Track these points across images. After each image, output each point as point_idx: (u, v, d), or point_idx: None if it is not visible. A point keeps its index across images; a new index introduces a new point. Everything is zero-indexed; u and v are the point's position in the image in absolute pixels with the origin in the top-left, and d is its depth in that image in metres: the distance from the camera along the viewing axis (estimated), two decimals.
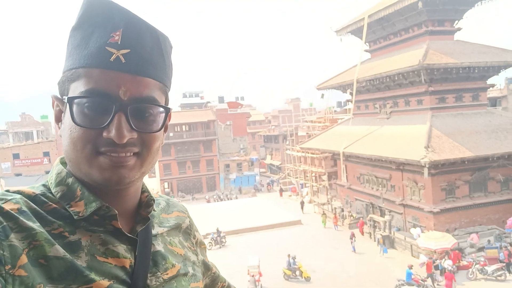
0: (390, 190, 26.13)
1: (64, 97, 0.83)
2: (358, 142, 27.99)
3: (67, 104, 0.80)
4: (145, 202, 0.94)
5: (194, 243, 1.10)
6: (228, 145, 53.58)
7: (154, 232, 0.95)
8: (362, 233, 26.42)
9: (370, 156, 25.80)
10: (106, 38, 0.78)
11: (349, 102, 35.19)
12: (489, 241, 20.14)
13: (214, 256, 24.84)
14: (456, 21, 26.52)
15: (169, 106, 0.89)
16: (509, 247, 19.19)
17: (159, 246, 0.94)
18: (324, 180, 35.85)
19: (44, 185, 0.87)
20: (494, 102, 35.98)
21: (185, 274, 0.97)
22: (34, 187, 0.86)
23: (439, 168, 21.82)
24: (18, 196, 0.80)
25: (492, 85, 27.18)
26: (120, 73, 0.78)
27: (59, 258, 0.74)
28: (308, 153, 37.04)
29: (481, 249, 20.13)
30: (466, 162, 21.59)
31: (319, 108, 58.11)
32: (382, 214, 26.25)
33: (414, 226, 23.37)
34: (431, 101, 24.74)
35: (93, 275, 0.76)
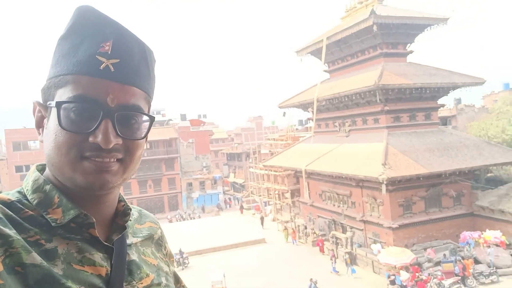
0: (351, 207, 26.73)
1: (49, 102, 0.84)
2: (319, 160, 28.54)
3: (52, 109, 0.82)
4: (122, 211, 0.96)
5: (165, 254, 1.11)
6: (191, 163, 52.99)
7: (128, 242, 0.96)
8: (322, 251, 26.62)
9: (331, 173, 26.34)
10: (96, 47, 0.81)
11: (310, 121, 35.95)
12: (444, 255, 20.94)
13: None
14: (408, 44, 27.96)
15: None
16: (463, 261, 20.04)
17: (133, 255, 0.95)
18: (287, 198, 36.13)
19: (19, 192, 0.87)
20: (444, 121, 37.97)
21: (159, 284, 0.97)
22: (9, 193, 0.85)
23: (396, 185, 22.61)
24: None
25: (443, 105, 28.71)
26: (109, 81, 0.81)
27: (36, 265, 0.73)
28: (271, 170, 37.29)
29: (437, 263, 20.88)
30: (421, 179, 22.51)
31: (281, 126, 58.94)
32: (344, 231, 26.73)
33: (375, 242, 23.94)
34: (387, 120, 25.75)
35: (69, 283, 0.76)
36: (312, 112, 31.78)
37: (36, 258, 0.74)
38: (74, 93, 0.80)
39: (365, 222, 25.16)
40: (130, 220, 1.00)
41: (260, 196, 41.58)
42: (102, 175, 0.82)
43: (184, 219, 43.83)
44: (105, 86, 0.81)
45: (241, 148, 60.21)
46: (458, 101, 41.62)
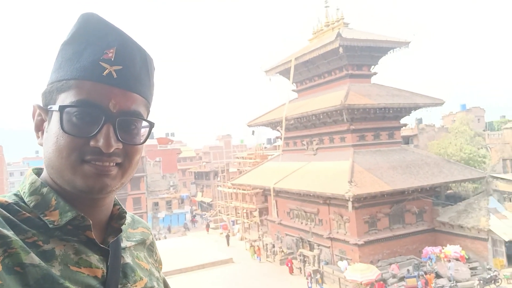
0: (318, 224, 26.94)
1: (50, 106, 0.86)
2: (287, 178, 28.77)
3: (54, 113, 0.83)
4: (117, 215, 0.97)
5: (156, 260, 1.12)
6: (157, 182, 52.00)
7: (122, 245, 0.97)
8: (291, 271, 26.39)
9: (298, 191, 26.57)
10: (100, 54, 0.83)
11: (279, 139, 36.35)
12: (408, 270, 21.37)
13: None
14: (373, 66, 29.09)
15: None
16: (425, 276, 20.51)
17: (128, 258, 0.97)
18: (255, 216, 36.00)
19: (16, 195, 0.88)
20: (407, 140, 39.37)
21: None
22: (6, 196, 0.86)
23: (362, 202, 23.07)
24: None
25: (405, 125, 29.84)
26: (111, 87, 0.83)
27: (35, 265, 0.74)
28: (240, 189, 37.18)
29: (401, 279, 21.26)
30: (385, 196, 23.10)
31: (250, 144, 59.17)
32: (311, 249, 26.84)
33: (341, 259, 24.15)
34: (353, 139, 26.43)
35: (68, 284, 0.76)
36: (281, 130, 32.18)
37: (35, 258, 0.75)
38: (77, 97, 0.82)
39: (332, 239, 25.39)
40: (125, 224, 1.01)
41: (228, 215, 41.23)
42: (101, 179, 0.84)
43: None
44: (107, 92, 0.83)
45: (209, 167, 59.82)
46: (419, 120, 43.40)
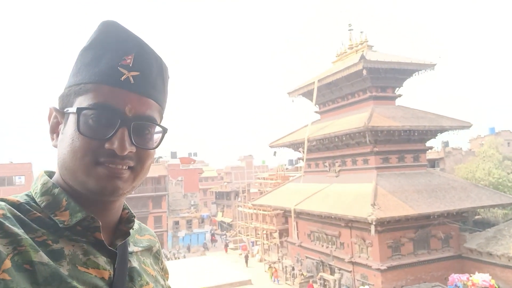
0: (340, 248, 26.36)
1: (67, 108, 0.88)
2: (308, 199, 28.43)
3: (71, 115, 0.86)
4: (126, 218, 0.98)
5: (161, 268, 1.13)
6: (179, 201, 52.30)
7: (130, 249, 0.98)
8: None
9: (320, 213, 26.16)
10: (118, 60, 0.86)
11: (300, 160, 36.13)
12: None
13: None
14: (397, 88, 28.84)
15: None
16: None
17: (134, 263, 0.97)
18: (275, 238, 35.55)
19: (27, 195, 0.89)
20: (433, 163, 38.48)
21: None
22: (18, 196, 0.88)
23: (385, 226, 22.49)
24: (3, 203, 0.81)
25: (431, 147, 29.22)
26: (128, 92, 0.86)
27: (44, 264, 0.75)
28: (260, 210, 36.93)
29: None
30: (409, 220, 22.46)
31: (272, 165, 59.05)
32: (332, 273, 26.19)
33: (363, 284, 23.43)
34: (376, 161, 26.02)
35: (75, 283, 0.77)
36: (303, 152, 32.04)
37: (44, 257, 0.76)
38: (95, 100, 0.84)
39: (353, 263, 24.73)
40: (133, 229, 1.03)
41: (248, 235, 40.88)
42: (114, 181, 0.85)
43: (168, 259, 42.57)
44: (124, 96, 0.85)
45: (230, 187, 59.82)
46: (446, 144, 42.41)
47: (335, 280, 24.91)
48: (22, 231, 0.77)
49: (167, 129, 0.94)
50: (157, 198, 49.16)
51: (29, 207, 0.84)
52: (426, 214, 22.55)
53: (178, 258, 42.60)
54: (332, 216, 25.03)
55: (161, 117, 0.96)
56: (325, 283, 25.75)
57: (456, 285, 21.46)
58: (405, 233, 23.40)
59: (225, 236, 52.25)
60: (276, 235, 35.31)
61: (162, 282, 1.06)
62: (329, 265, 26.82)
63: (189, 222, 50.70)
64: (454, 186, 25.34)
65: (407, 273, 22.98)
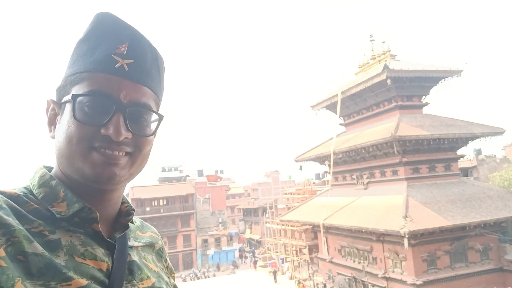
0: (372, 263, 25.57)
1: (64, 97, 0.89)
2: (337, 213, 27.86)
3: (67, 104, 0.87)
4: (125, 211, 0.98)
5: (165, 266, 1.11)
6: (207, 219, 52.41)
7: (130, 244, 0.97)
8: None
9: (350, 227, 25.54)
10: (113, 48, 0.87)
11: (327, 174, 35.64)
12: None
13: None
14: (424, 96, 28.18)
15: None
16: None
17: (134, 257, 0.96)
18: (304, 254, 34.93)
19: (25, 187, 0.89)
20: (465, 172, 37.13)
21: None
22: (16, 188, 0.87)
23: (419, 238, 21.69)
24: None
25: (462, 156, 28.24)
26: (123, 79, 0.87)
27: (38, 254, 0.74)
28: (288, 225, 36.47)
29: None
30: (444, 231, 21.59)
31: (298, 180, 58.55)
32: None
33: None
34: (406, 172, 25.32)
35: (72, 273, 0.76)
36: (329, 165, 31.58)
37: (38, 247, 0.75)
38: (90, 88, 0.85)
39: (387, 279, 23.90)
40: (133, 224, 1.04)
41: (277, 252, 40.37)
42: (110, 168, 0.85)
43: (198, 278, 42.53)
44: (119, 83, 0.86)
45: (258, 203, 59.55)
46: (478, 151, 40.77)
47: None
48: (17, 221, 0.76)
49: (163, 116, 0.93)
50: (185, 217, 49.44)
51: (26, 199, 0.84)
52: (462, 225, 21.62)
53: (208, 277, 42.42)
54: (363, 230, 24.38)
55: (158, 107, 0.96)
56: None
57: None
58: (440, 245, 22.49)
59: (252, 253, 51.78)
60: (305, 251, 34.71)
61: (166, 279, 1.04)
62: (362, 281, 26.03)
63: (217, 240, 50.61)
64: (489, 195, 24.28)
65: None
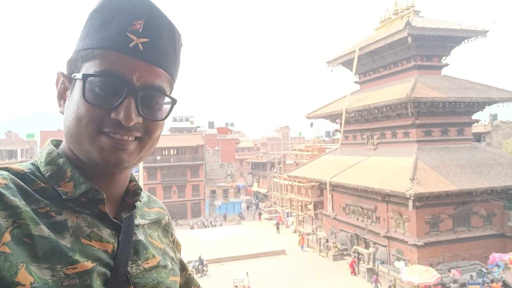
0: (375, 222, 25.89)
1: (74, 74, 0.84)
2: (345, 172, 27.92)
3: (77, 81, 0.82)
4: (132, 191, 0.96)
5: (172, 241, 1.11)
6: (216, 171, 53.16)
7: (136, 222, 0.95)
8: (354, 273, 24.76)
9: (356, 187, 25.67)
10: (127, 24, 0.81)
11: (338, 132, 35.39)
12: (471, 276, 19.84)
13: None
14: (444, 57, 27.16)
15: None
16: (491, 284, 18.91)
17: (140, 236, 0.95)
18: (309, 210, 35.50)
19: (33, 164, 0.87)
20: (478, 137, 36.47)
21: (165, 267, 0.97)
22: (23, 165, 0.85)
23: (424, 201, 21.73)
24: (5, 172, 0.79)
25: (477, 121, 27.62)
26: (136, 60, 0.81)
27: (44, 237, 0.73)
28: (295, 181, 36.82)
29: (463, 285, 19.79)
30: (450, 196, 21.55)
31: (308, 137, 58.44)
32: (367, 246, 25.88)
33: (398, 259, 23.03)
34: (418, 134, 24.94)
35: (77, 256, 0.76)
36: (340, 123, 31.26)
37: (44, 230, 0.74)
38: (101, 67, 0.80)
39: (389, 238, 24.26)
40: (140, 201, 1.00)
41: (283, 206, 41.09)
42: (118, 153, 0.81)
43: (205, 226, 43.76)
44: (132, 64, 0.80)
45: (266, 158, 60.01)
46: (494, 117, 39.58)
47: (370, 254, 24.62)
48: (24, 202, 0.74)
49: (176, 100, 0.89)
50: (194, 167, 50.12)
51: (33, 177, 0.82)
52: (468, 190, 21.54)
53: (215, 226, 43.66)
54: (369, 190, 24.49)
55: (171, 88, 0.91)
56: (359, 256, 25.53)
57: (497, 264, 20.59)
58: (445, 209, 22.54)
59: (256, 205, 52.89)
60: (311, 207, 35.24)
61: (172, 254, 1.05)
62: (364, 238, 26.50)
63: (225, 192, 51.57)
64: (500, 162, 23.93)
65: (444, 250, 22.29)
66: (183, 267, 1.16)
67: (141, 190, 0.98)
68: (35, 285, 0.69)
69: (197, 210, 50.05)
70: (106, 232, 0.85)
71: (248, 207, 52.82)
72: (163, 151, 49.25)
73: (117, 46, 0.80)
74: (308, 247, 31.52)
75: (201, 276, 25.62)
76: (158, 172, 48.50)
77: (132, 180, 0.97)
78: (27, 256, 0.70)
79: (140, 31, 0.81)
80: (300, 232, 32.98)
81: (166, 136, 54.21)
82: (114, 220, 0.87)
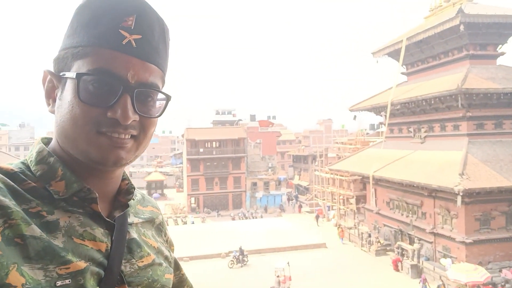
0: (421, 217, 24.99)
1: (62, 73, 0.82)
2: (389, 166, 27.13)
3: (69, 80, 0.80)
4: (125, 190, 0.95)
5: (165, 240, 1.10)
6: (257, 163, 53.38)
7: (129, 221, 0.95)
8: (397, 269, 24.00)
9: (401, 181, 24.88)
10: (119, 21, 0.79)
11: (382, 125, 34.41)
12: None
13: (235, 275, 24.44)
14: (500, 46, 25.59)
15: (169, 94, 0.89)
16: None
17: (134, 234, 0.94)
18: (351, 204, 34.86)
19: (23, 163, 0.86)
20: None
21: (160, 265, 0.97)
22: (13, 164, 0.84)
23: (474, 197, 20.70)
24: None
25: None
26: (130, 57, 0.80)
27: (36, 237, 0.72)
28: (337, 175, 36.25)
29: None
30: (503, 192, 20.40)
31: (351, 130, 57.27)
32: (411, 242, 25.06)
33: (445, 256, 22.13)
34: (468, 127, 23.73)
35: (70, 256, 0.75)
36: (385, 116, 30.36)
37: (36, 230, 0.73)
38: (95, 66, 0.78)
39: (435, 234, 23.35)
40: (133, 200, 1.00)
41: (324, 200, 40.64)
42: (116, 151, 0.81)
43: (246, 218, 44.15)
44: (126, 62, 0.79)
45: (308, 151, 59.48)
46: None
47: (414, 250, 23.81)
48: (14, 202, 0.73)
49: (170, 96, 0.88)
50: (236, 160, 50.56)
51: (23, 176, 0.80)
52: None
53: (256, 218, 43.95)
54: (415, 185, 23.69)
55: (163, 83, 0.90)
56: (403, 252, 24.77)
57: None
58: (497, 206, 21.36)
59: (295, 198, 52.71)
60: (353, 201, 34.61)
61: (166, 253, 1.04)
62: (408, 234, 25.68)
63: (266, 184, 51.67)
64: None
65: (496, 249, 21.14)
66: (177, 266, 1.16)
67: (134, 188, 0.97)
68: (27, 286, 0.68)
69: (239, 202, 50.54)
70: (99, 231, 0.83)
71: (288, 200, 52.72)
72: (206, 144, 50.07)
73: (110, 43, 0.78)
74: (350, 241, 31.02)
75: (242, 266, 25.87)
76: (201, 164, 49.39)
77: (125, 178, 0.96)
78: (18, 257, 0.69)
79: (132, 27, 0.80)
80: (340, 225, 32.51)
81: (209, 128, 55.09)
82: (107, 219, 0.86)
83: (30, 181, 0.80)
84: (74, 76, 0.78)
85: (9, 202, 0.72)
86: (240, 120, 64.52)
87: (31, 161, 0.85)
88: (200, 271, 24.83)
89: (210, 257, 27.98)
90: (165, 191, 61.91)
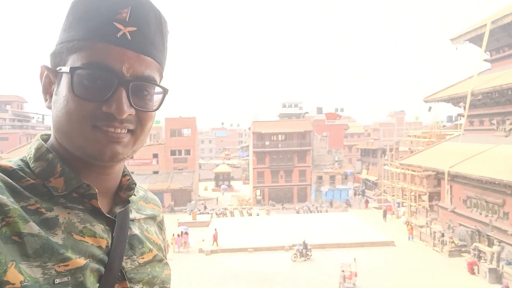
0: (502, 218, 22.83)
1: (59, 67, 0.81)
2: (467, 161, 25.11)
3: (64, 75, 0.79)
4: (126, 185, 0.93)
5: (163, 239, 1.07)
6: (323, 156, 52.45)
7: (131, 216, 0.93)
8: (472, 273, 22.29)
9: (480, 178, 22.91)
10: (114, 13, 0.78)
11: (461, 117, 31.91)
12: None
13: (298, 269, 24.22)
14: None
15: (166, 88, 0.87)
16: None
17: (136, 230, 0.93)
18: (424, 201, 32.85)
19: (22, 160, 0.85)
20: None
21: (160, 261, 0.96)
22: (11, 161, 0.83)
23: None
24: None
25: None
26: (125, 50, 0.78)
27: (33, 235, 0.72)
28: (409, 170, 34.31)
29: None
30: None
31: (426, 122, 54.03)
32: (490, 244, 22.99)
33: None
34: None
35: (69, 253, 0.74)
36: (464, 107, 28.12)
37: (34, 227, 0.73)
38: (89, 59, 0.77)
39: None
40: (135, 195, 0.99)
41: (394, 196, 38.78)
42: (113, 146, 0.80)
43: (311, 212, 43.60)
44: (121, 55, 0.78)
45: (377, 144, 57.21)
46: None
47: (493, 253, 21.82)
48: (12, 200, 0.73)
49: (167, 89, 0.86)
50: (301, 153, 50.06)
51: (22, 174, 0.80)
52: None
53: (321, 212, 43.27)
54: (496, 182, 21.69)
55: (161, 77, 0.88)
56: (480, 254, 22.82)
57: None
58: None
59: (362, 192, 51.07)
60: (425, 198, 32.60)
61: (164, 252, 1.03)
62: (487, 235, 23.58)
63: (332, 178, 50.57)
64: None
65: None
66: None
67: (135, 184, 0.95)
68: (25, 283, 0.67)
69: (303, 195, 50.06)
70: (99, 228, 0.82)
71: (355, 195, 51.24)
72: (272, 137, 50.18)
73: (104, 36, 0.76)
74: (420, 240, 29.32)
75: (305, 260, 25.57)
76: (267, 156, 49.62)
77: (126, 174, 0.94)
78: (16, 255, 0.68)
79: (127, 20, 0.78)
80: (409, 223, 30.83)
81: (275, 122, 55.09)
82: (107, 215, 0.85)
83: (28, 178, 0.79)
84: (68, 70, 0.77)
85: (7, 199, 0.72)
86: (307, 113, 63.81)
87: (30, 158, 0.84)
88: (264, 262, 24.90)
89: (274, 249, 28.05)
90: (232, 182, 63.25)
